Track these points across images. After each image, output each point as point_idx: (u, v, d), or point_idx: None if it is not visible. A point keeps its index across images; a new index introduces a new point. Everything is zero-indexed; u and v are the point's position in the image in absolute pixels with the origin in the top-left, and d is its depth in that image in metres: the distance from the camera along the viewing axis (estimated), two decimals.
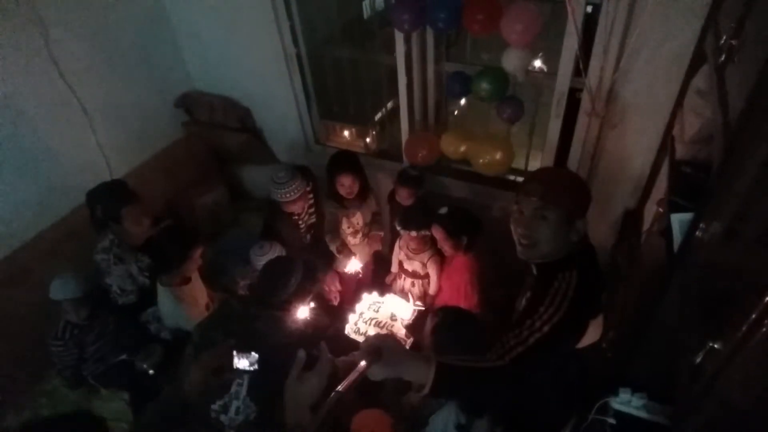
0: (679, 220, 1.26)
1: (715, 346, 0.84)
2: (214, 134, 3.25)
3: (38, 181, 2.50)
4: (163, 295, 2.22)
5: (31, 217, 2.49)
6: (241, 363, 1.41)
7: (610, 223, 2.42)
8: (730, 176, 1.10)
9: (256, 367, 1.39)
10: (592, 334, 1.32)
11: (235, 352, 1.41)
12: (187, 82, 3.24)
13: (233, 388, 1.67)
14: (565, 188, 1.27)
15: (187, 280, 2.27)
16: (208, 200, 3.12)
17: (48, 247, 2.52)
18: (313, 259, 2.17)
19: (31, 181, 2.46)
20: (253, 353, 1.39)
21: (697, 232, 1.16)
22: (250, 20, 2.73)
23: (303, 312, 1.93)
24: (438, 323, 1.65)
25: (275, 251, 2.43)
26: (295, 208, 2.51)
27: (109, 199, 2.28)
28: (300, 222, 2.68)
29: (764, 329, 0.76)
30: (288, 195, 2.39)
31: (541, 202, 1.24)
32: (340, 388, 1.03)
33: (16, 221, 2.43)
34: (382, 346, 1.09)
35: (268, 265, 1.96)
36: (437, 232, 2.22)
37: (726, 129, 1.19)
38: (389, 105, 3.04)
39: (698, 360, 0.88)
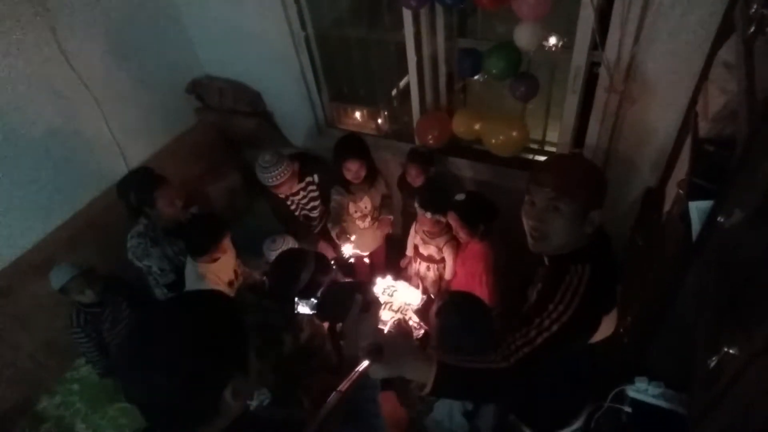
0: (697, 208, 1.19)
1: (731, 351, 0.79)
2: (226, 119, 3.24)
3: (55, 174, 2.54)
4: (190, 266, 2.31)
5: (50, 209, 2.55)
6: (303, 309, 1.50)
7: (630, 202, 2.33)
8: (754, 159, 1.02)
9: (315, 311, 1.48)
10: (605, 329, 1.27)
11: (297, 299, 1.50)
12: (198, 68, 3.22)
13: None
14: (580, 177, 1.20)
15: (215, 259, 2.31)
16: (221, 186, 3.15)
17: (69, 238, 2.59)
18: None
19: (48, 174, 2.51)
20: (312, 299, 1.51)
21: (716, 223, 1.10)
22: (256, 2, 2.67)
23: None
24: (443, 305, 1.63)
25: (288, 245, 2.44)
26: (281, 191, 2.51)
27: (140, 184, 2.34)
28: (289, 203, 2.69)
29: None
30: (271, 179, 2.39)
31: (554, 193, 1.17)
32: (341, 387, 1.03)
33: (35, 214, 2.49)
34: (383, 344, 1.08)
35: (279, 258, 1.96)
36: (452, 219, 2.17)
37: (751, 106, 1.10)
38: (401, 85, 2.97)
39: (712, 365, 0.84)
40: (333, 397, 1.00)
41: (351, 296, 1.32)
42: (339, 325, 1.76)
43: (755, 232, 0.93)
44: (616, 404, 1.58)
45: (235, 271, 2.46)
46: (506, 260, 2.20)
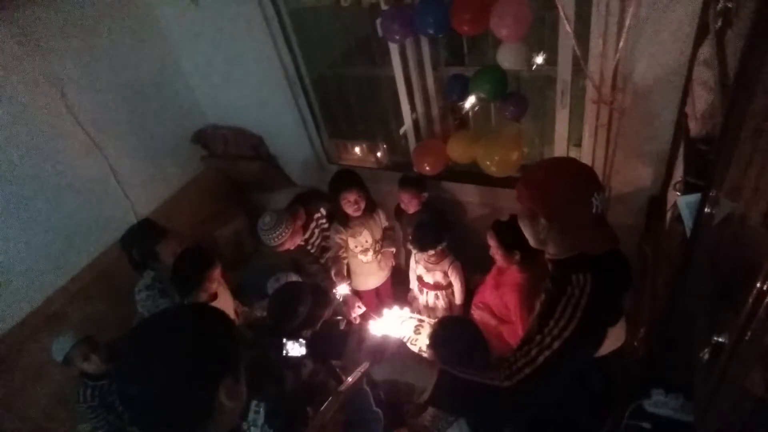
0: (686, 202, 1.16)
1: (720, 339, 0.75)
2: (231, 165, 3.34)
3: (66, 228, 2.62)
4: None
5: (62, 262, 2.62)
6: (294, 350, 1.46)
7: (635, 211, 2.28)
8: (729, 149, 1.00)
9: (305, 351, 1.45)
10: (613, 341, 1.22)
11: (285, 340, 1.47)
12: (201, 118, 3.36)
13: (250, 416, 1.66)
14: (532, 182, 1.22)
15: (213, 297, 2.30)
16: (228, 230, 3.20)
17: (81, 289, 2.65)
18: (320, 284, 2.16)
19: (59, 228, 2.59)
20: (301, 339, 1.47)
21: (704, 216, 1.06)
22: (251, 52, 2.81)
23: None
24: (431, 336, 1.60)
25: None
26: (285, 247, 2.46)
27: (142, 240, 2.35)
28: (309, 247, 2.68)
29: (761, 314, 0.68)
30: (272, 241, 2.37)
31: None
32: (341, 388, 1.04)
33: (48, 268, 2.55)
34: (385, 346, 1.09)
35: (276, 294, 1.96)
36: (491, 239, 2.04)
37: (725, 99, 1.09)
38: (396, 117, 3.02)
39: (706, 357, 0.79)
40: (333, 398, 0.99)
41: (345, 331, 1.32)
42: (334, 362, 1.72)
43: (733, 221, 0.90)
44: (634, 421, 1.49)
45: (235, 311, 2.45)
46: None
